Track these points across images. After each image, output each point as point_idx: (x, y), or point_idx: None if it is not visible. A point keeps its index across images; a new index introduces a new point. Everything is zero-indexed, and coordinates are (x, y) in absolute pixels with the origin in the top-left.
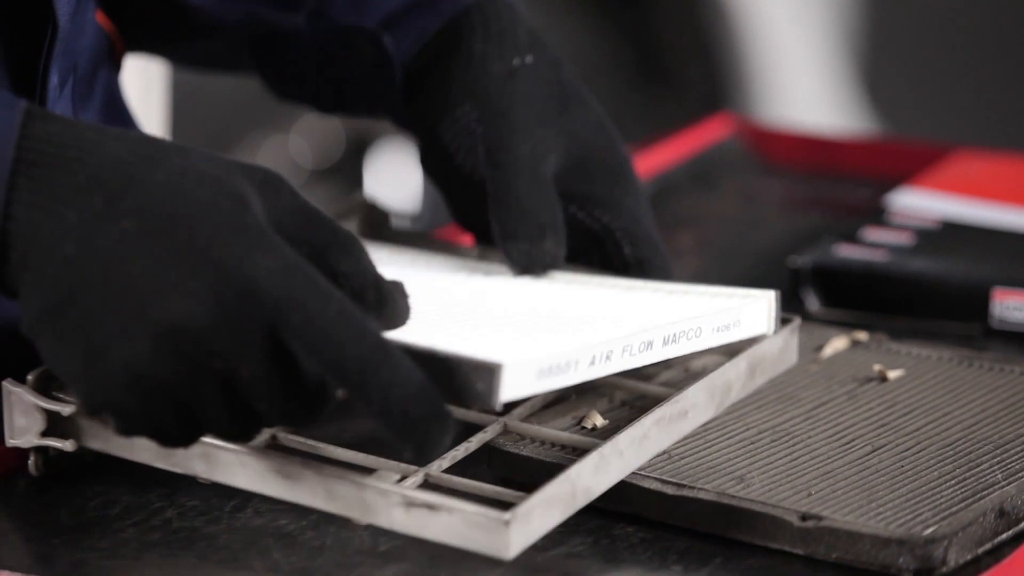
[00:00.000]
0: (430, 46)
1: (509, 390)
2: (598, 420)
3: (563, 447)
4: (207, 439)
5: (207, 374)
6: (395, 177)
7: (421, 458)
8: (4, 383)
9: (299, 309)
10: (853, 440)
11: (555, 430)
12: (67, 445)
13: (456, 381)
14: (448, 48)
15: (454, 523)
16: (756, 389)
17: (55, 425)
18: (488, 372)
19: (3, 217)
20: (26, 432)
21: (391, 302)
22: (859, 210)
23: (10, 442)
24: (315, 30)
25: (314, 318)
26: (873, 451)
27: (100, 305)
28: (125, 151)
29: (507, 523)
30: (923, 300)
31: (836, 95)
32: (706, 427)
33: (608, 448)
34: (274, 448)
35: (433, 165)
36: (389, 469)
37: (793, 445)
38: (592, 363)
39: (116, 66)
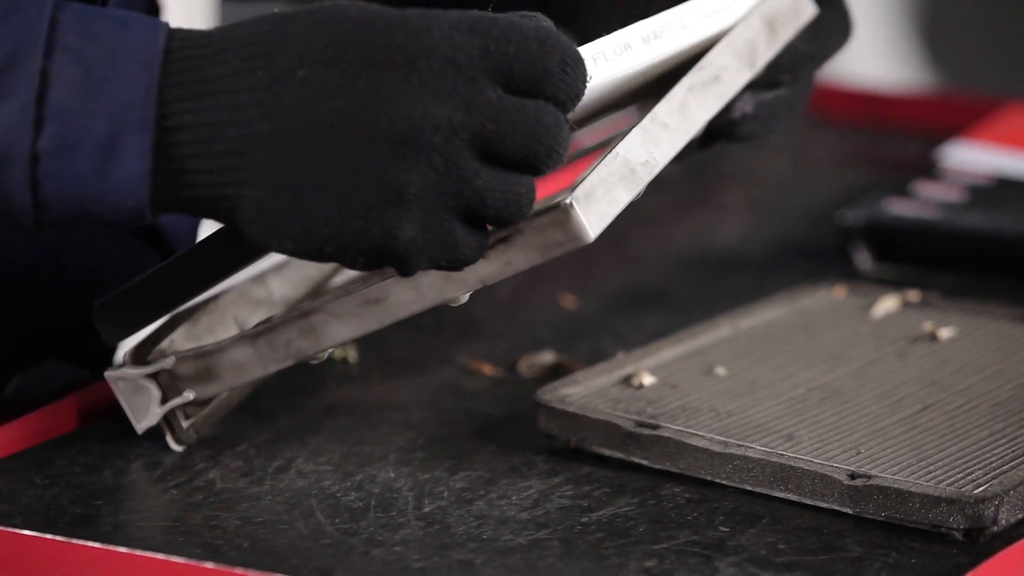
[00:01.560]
0: None
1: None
2: (646, 378)
3: (611, 401)
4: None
5: (461, 151)
6: None
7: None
8: (106, 374)
9: (502, 40)
10: (903, 399)
11: (601, 386)
12: (188, 395)
13: None
14: None
15: (530, 240)
16: (781, 46)
17: (170, 390)
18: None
19: (171, 130)
20: (146, 409)
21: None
22: (910, 165)
23: (139, 427)
24: None
25: (516, 38)
26: (923, 409)
27: (322, 157)
28: (255, 26)
29: (570, 206)
30: (975, 256)
31: (893, 47)
32: (754, 385)
33: (648, 121)
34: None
35: None
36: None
37: (842, 404)
38: (645, 41)
39: None
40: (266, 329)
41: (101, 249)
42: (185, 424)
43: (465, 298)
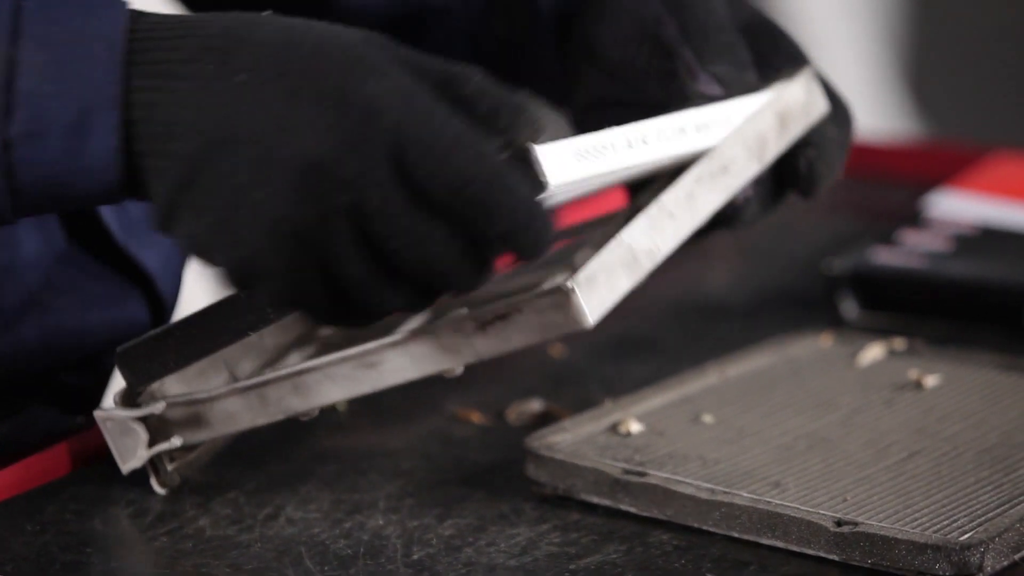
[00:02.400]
0: None
1: (552, 171)
2: (634, 426)
3: (599, 448)
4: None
5: (338, 212)
6: None
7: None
8: (95, 413)
9: (419, 127)
10: (889, 446)
11: (589, 434)
12: (175, 441)
13: None
14: None
15: (529, 320)
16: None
17: (158, 434)
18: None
19: (125, 107)
20: (133, 451)
21: (523, 115)
22: (896, 214)
23: (125, 468)
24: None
25: (435, 137)
26: (909, 456)
27: (228, 162)
28: (228, 20)
29: (572, 291)
30: (961, 304)
31: (879, 95)
32: (741, 432)
33: (655, 209)
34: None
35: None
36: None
37: (829, 451)
38: (629, 146)
39: None
40: (259, 383)
41: (87, 292)
42: (170, 467)
43: (460, 370)
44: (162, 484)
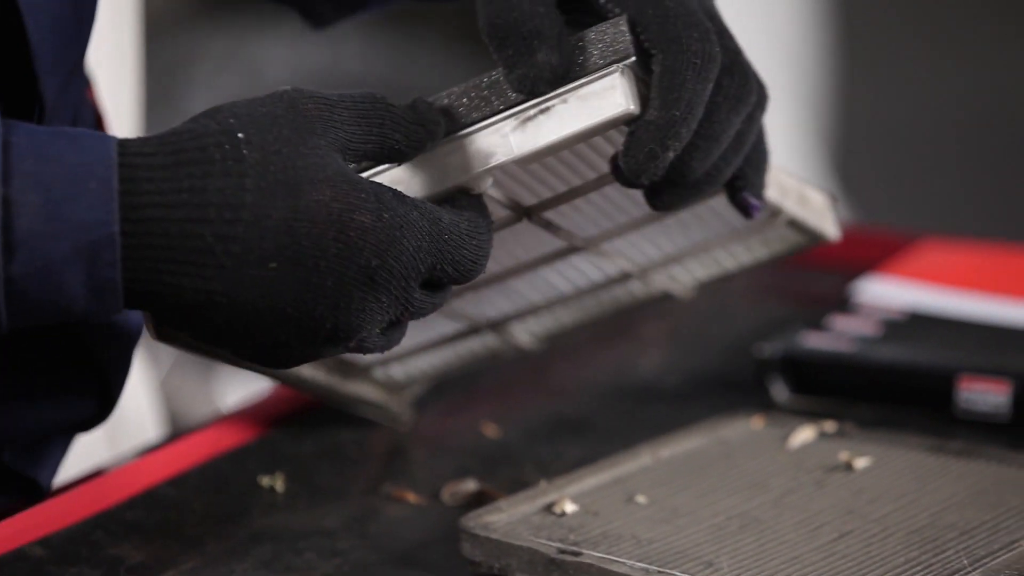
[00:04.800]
0: None
1: None
2: (568, 506)
3: (534, 528)
4: None
5: (371, 337)
6: None
7: None
8: None
9: (447, 258)
10: (820, 526)
11: (524, 514)
12: None
13: None
14: None
15: (571, 108)
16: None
17: None
18: None
19: (138, 281)
20: None
21: (434, 126)
22: (826, 299)
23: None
24: None
25: (458, 257)
26: (840, 537)
27: (267, 327)
28: (232, 188)
29: (622, 71)
30: (889, 388)
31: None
32: (675, 512)
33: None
34: None
35: None
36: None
37: (761, 531)
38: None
39: None
40: None
41: (39, 382)
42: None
43: (488, 185)
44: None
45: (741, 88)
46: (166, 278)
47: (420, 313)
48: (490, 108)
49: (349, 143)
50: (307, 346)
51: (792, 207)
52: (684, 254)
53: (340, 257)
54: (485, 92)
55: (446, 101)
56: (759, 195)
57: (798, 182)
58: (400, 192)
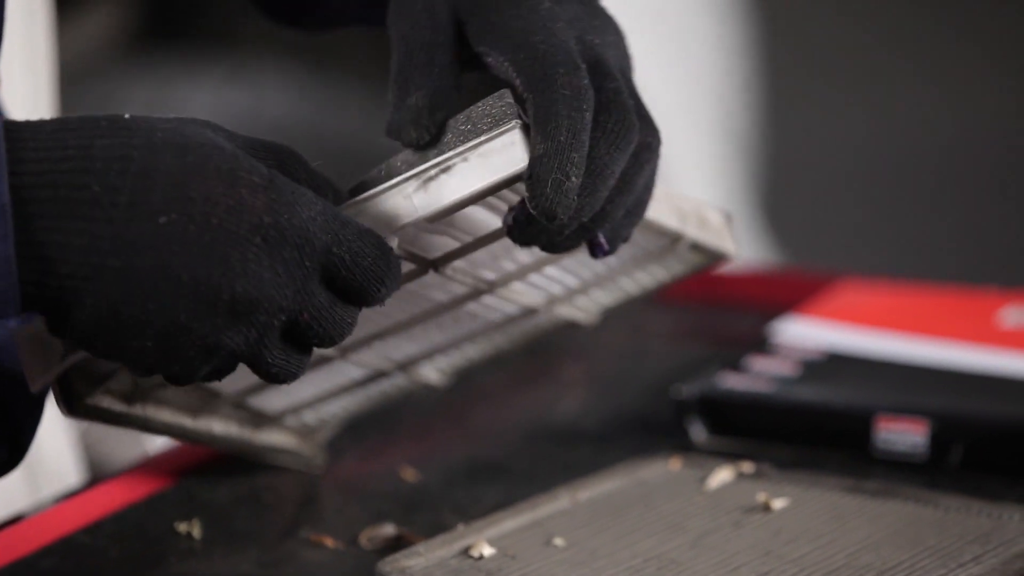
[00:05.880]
0: None
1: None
2: (486, 549)
3: (451, 572)
4: None
5: (272, 329)
6: None
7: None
8: (12, 329)
9: (344, 246)
10: (738, 568)
11: (441, 557)
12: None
13: None
14: None
15: (472, 167)
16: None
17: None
18: None
19: (29, 244)
20: (45, 366)
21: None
22: (744, 340)
23: (34, 386)
24: None
25: (357, 251)
26: None
27: (165, 300)
28: (119, 145)
29: (517, 127)
30: (807, 429)
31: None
32: (593, 555)
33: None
34: None
35: None
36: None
37: (679, 573)
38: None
39: None
40: None
41: None
42: (88, 397)
43: (394, 244)
44: (69, 411)
45: (619, 123)
46: (55, 236)
47: (320, 320)
48: (394, 171)
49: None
50: (206, 324)
51: (693, 231)
52: (588, 285)
53: (231, 211)
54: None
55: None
56: (616, 239)
57: (695, 204)
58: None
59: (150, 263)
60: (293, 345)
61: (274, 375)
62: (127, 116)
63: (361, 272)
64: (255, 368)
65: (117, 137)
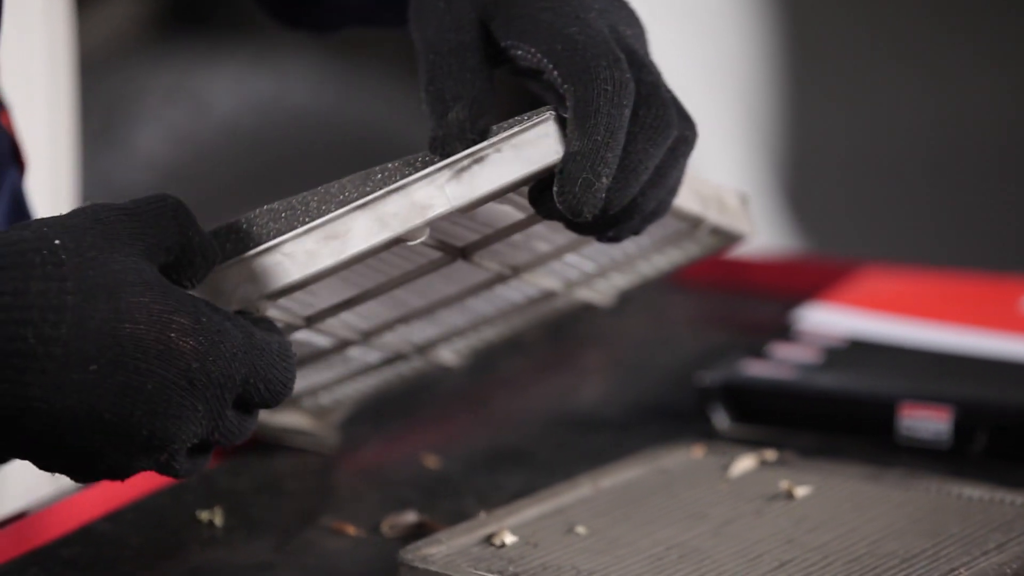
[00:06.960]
0: None
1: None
2: (508, 537)
3: (473, 560)
4: None
5: (183, 452)
6: None
7: None
8: None
9: (260, 374)
10: (760, 556)
11: (463, 545)
12: None
13: None
14: None
15: (505, 157)
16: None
17: None
18: None
19: None
20: None
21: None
22: (766, 327)
23: None
24: None
25: (270, 375)
26: (780, 566)
27: (89, 440)
28: (54, 291)
29: (551, 119)
30: (830, 416)
31: (756, 209)
32: (615, 543)
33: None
34: None
35: None
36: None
37: (700, 561)
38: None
39: (20, 169)
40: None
41: None
42: None
43: (426, 235)
44: None
45: (658, 119)
46: None
47: (228, 436)
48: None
49: (155, 245)
50: (120, 454)
51: (714, 215)
52: (606, 269)
53: (161, 358)
54: (418, 162)
55: (379, 176)
56: (630, 232)
57: (714, 188)
58: (211, 303)
59: (74, 403)
60: (199, 451)
61: (173, 470)
62: (59, 247)
63: (271, 394)
64: (160, 473)
65: (51, 280)
